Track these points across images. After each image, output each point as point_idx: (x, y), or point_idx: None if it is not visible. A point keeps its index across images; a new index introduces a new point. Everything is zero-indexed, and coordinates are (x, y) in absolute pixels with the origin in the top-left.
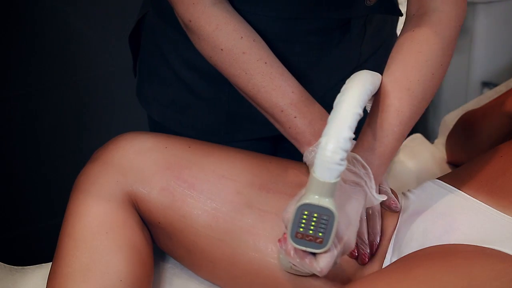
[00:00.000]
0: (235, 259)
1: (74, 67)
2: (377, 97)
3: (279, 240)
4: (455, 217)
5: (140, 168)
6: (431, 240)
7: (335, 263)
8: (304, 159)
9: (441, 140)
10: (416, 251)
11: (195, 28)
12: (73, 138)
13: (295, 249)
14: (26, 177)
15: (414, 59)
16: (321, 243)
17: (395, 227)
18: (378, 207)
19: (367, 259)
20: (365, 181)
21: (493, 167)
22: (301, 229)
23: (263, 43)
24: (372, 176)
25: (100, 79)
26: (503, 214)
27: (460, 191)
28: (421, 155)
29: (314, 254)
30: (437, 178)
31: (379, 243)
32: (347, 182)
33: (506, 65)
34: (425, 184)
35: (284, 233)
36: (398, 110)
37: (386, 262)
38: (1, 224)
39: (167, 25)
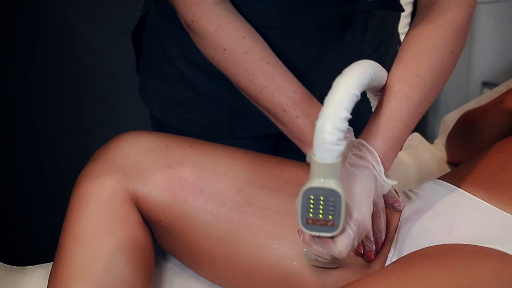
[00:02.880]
0: (234, 256)
1: (74, 67)
2: (385, 84)
3: (298, 231)
4: (455, 217)
5: (141, 167)
6: (431, 240)
7: (353, 245)
8: (308, 159)
9: (441, 140)
10: (415, 251)
11: (197, 28)
12: (73, 138)
13: (311, 236)
14: (26, 177)
15: (423, 46)
16: (333, 225)
17: (397, 226)
18: (382, 205)
19: (373, 256)
20: (373, 165)
21: (492, 163)
22: (311, 215)
23: (265, 43)
24: (379, 160)
25: (100, 79)
26: (503, 211)
27: (460, 189)
28: (421, 155)
29: (332, 238)
30: (437, 178)
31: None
32: (354, 166)
33: (506, 65)
34: (425, 183)
35: None
36: (407, 95)
37: (388, 262)
38: (1, 224)
39: (169, 22)
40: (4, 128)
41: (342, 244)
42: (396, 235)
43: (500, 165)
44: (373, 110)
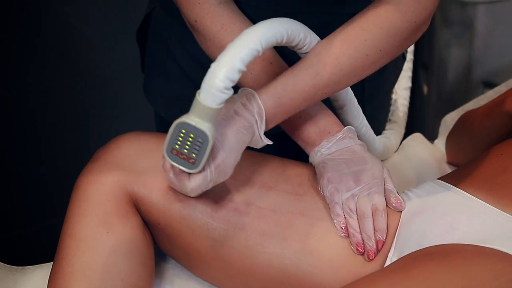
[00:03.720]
0: (228, 258)
1: (74, 67)
2: (305, 56)
3: (163, 157)
4: (455, 217)
5: (142, 168)
6: (431, 240)
7: (206, 187)
8: (310, 159)
9: (441, 140)
10: (416, 251)
11: (200, 28)
12: (73, 138)
13: (172, 166)
14: (26, 177)
15: (355, 34)
16: (193, 163)
17: (397, 226)
18: (384, 205)
19: (374, 256)
20: (256, 120)
21: (493, 165)
22: (177, 146)
23: None
24: (264, 116)
25: (100, 79)
26: (503, 212)
27: (460, 190)
28: (421, 155)
29: (188, 174)
30: (437, 178)
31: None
32: (238, 115)
33: (506, 65)
34: (426, 184)
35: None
36: (318, 72)
37: (388, 262)
38: (1, 224)
39: (174, 21)
40: (4, 128)
41: (196, 183)
42: (396, 235)
43: (501, 167)
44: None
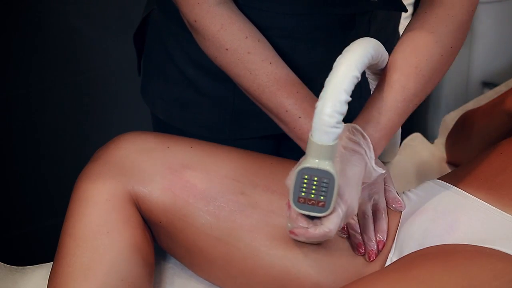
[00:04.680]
0: (230, 257)
1: (74, 67)
2: (384, 72)
3: (288, 205)
4: (455, 217)
5: (142, 168)
6: (432, 240)
7: (340, 226)
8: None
9: (441, 140)
10: (416, 251)
11: (200, 28)
12: (73, 138)
13: (300, 214)
14: (26, 177)
15: (424, 38)
16: (324, 206)
17: (397, 226)
18: (384, 205)
19: (374, 256)
20: (365, 150)
21: (493, 164)
22: (303, 194)
23: (267, 43)
24: (371, 146)
25: (100, 79)
26: (503, 212)
27: (461, 190)
28: (421, 155)
29: (319, 218)
30: (437, 178)
31: None
32: (347, 150)
33: (506, 65)
34: (426, 184)
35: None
36: (404, 86)
37: (388, 262)
38: (1, 224)
39: (172, 23)
40: (4, 128)
41: (332, 224)
42: (396, 235)
43: (501, 166)
44: (372, 90)
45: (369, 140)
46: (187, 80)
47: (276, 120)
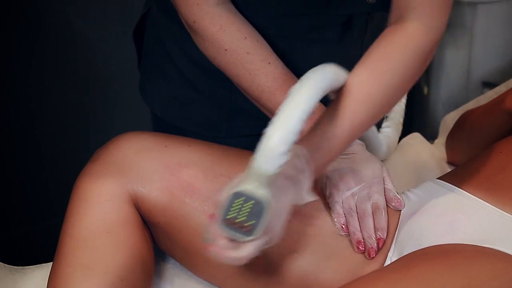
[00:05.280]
0: None
1: (74, 67)
2: (337, 95)
3: (211, 217)
4: (455, 217)
5: (141, 167)
6: (431, 240)
7: (257, 254)
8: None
9: (441, 140)
10: (415, 250)
11: (199, 29)
12: (73, 138)
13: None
14: (26, 177)
15: (381, 65)
16: (248, 231)
17: (397, 226)
18: (384, 203)
19: (374, 254)
20: (303, 178)
21: (493, 163)
22: (232, 214)
23: (266, 43)
24: (311, 174)
25: (100, 79)
26: (503, 212)
27: (460, 189)
28: (421, 155)
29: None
30: (437, 178)
31: None
32: (286, 176)
33: (506, 65)
34: (425, 183)
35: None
36: (354, 112)
37: (388, 261)
38: (1, 224)
39: (170, 21)
40: (4, 128)
41: (247, 251)
42: (396, 234)
43: (501, 165)
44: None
45: (312, 168)
46: (185, 78)
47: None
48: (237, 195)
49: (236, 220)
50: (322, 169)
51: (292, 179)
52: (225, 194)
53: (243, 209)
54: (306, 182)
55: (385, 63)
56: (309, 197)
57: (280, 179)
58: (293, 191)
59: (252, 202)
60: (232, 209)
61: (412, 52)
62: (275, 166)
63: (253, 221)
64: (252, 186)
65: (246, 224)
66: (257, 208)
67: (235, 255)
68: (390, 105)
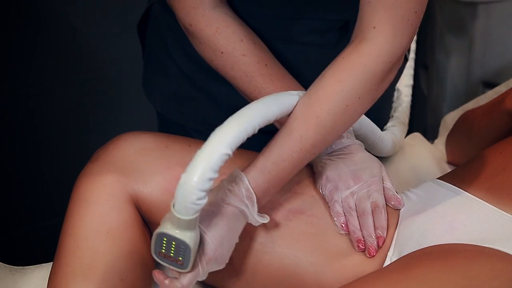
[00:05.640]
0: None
1: (74, 67)
2: (286, 118)
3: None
4: (455, 217)
5: (141, 167)
6: (431, 240)
7: (201, 279)
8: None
9: (441, 140)
10: (415, 250)
11: (195, 32)
12: (73, 138)
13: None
14: (26, 177)
15: (331, 87)
16: (182, 265)
17: (396, 225)
18: (383, 202)
19: (374, 252)
20: (246, 204)
21: (493, 164)
22: (163, 251)
23: (263, 45)
24: (255, 199)
25: (100, 79)
26: (503, 212)
27: (460, 190)
28: (421, 155)
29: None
30: (437, 178)
31: None
32: (225, 203)
33: (506, 65)
34: (425, 183)
35: None
36: (302, 136)
37: (387, 261)
38: (1, 224)
39: (170, 17)
40: (4, 128)
41: (186, 281)
42: (396, 234)
43: (501, 166)
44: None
45: (254, 195)
46: (184, 74)
47: (274, 122)
48: (161, 235)
49: (169, 255)
50: (270, 191)
51: (227, 204)
52: (154, 233)
53: (171, 246)
54: (250, 208)
55: (335, 84)
56: (261, 219)
57: (213, 202)
58: (238, 218)
59: (177, 242)
60: (163, 245)
61: (362, 74)
62: (191, 213)
63: (182, 257)
64: (172, 229)
65: (178, 259)
66: (181, 248)
67: (174, 285)
68: (345, 125)
